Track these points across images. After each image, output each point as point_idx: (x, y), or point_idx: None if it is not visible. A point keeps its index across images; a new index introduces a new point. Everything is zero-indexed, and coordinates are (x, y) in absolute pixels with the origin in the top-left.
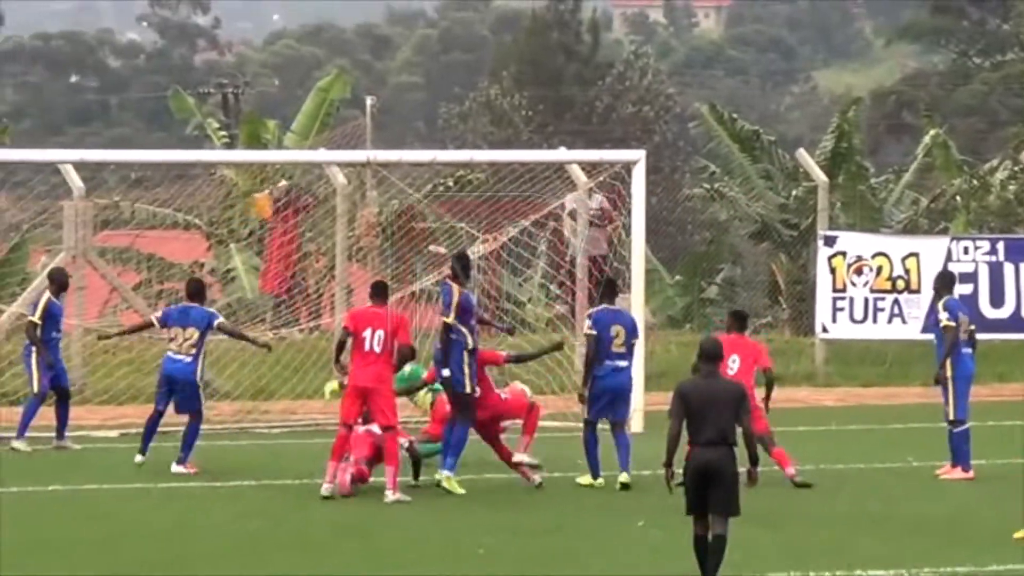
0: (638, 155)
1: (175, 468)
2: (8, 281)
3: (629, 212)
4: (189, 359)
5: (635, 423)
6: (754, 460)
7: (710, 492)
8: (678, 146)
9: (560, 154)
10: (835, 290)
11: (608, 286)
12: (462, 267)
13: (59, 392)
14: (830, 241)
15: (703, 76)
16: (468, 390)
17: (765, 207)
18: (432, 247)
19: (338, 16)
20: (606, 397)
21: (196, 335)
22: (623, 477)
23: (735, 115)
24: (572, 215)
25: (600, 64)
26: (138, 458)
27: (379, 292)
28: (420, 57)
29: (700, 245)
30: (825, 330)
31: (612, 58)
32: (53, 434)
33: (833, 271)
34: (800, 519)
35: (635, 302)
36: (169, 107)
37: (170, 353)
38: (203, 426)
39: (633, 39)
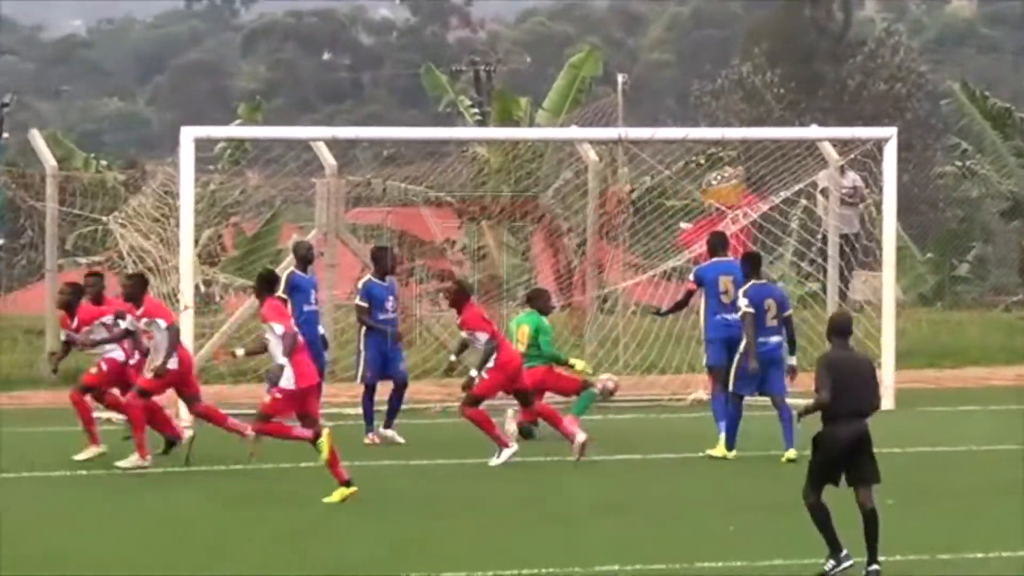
0: (890, 132)
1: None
2: (261, 256)
3: (881, 190)
4: None
5: (886, 401)
6: None
7: (857, 463)
8: (930, 124)
9: (812, 131)
10: None
11: (752, 260)
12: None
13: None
14: None
15: (955, 53)
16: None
17: (1017, 185)
18: (682, 224)
19: None
20: (760, 372)
21: None
22: (790, 453)
23: (987, 93)
24: (824, 193)
25: (852, 42)
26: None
27: None
28: (672, 34)
29: (951, 223)
30: None
31: (864, 35)
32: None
33: None
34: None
35: (886, 280)
36: (421, 84)
37: None
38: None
39: (885, 16)
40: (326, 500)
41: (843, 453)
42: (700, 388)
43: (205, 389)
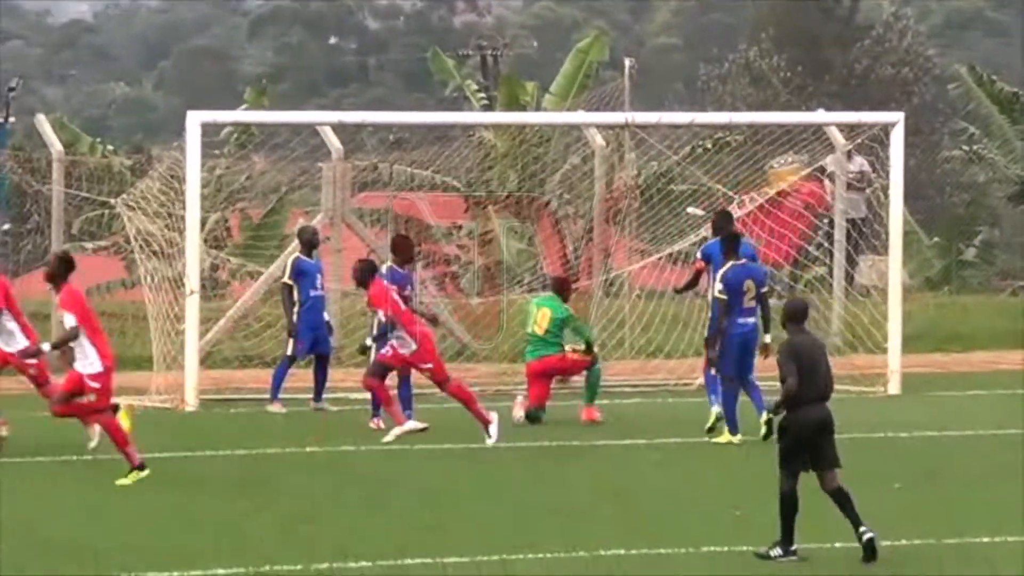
0: (896, 117)
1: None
2: (266, 243)
3: (887, 174)
4: None
5: (892, 385)
6: None
7: (821, 447)
8: (937, 108)
9: (818, 116)
10: None
11: (730, 241)
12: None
13: (318, 355)
14: None
15: (963, 38)
16: None
17: None
18: (690, 209)
19: None
20: (736, 352)
21: None
22: (764, 417)
23: (994, 77)
24: (831, 177)
25: (859, 26)
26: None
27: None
28: (679, 19)
29: (958, 207)
30: None
31: (871, 20)
32: (310, 396)
33: None
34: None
35: (893, 264)
36: (428, 69)
37: None
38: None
39: (892, 0)
40: (120, 482)
41: (811, 436)
42: None
43: (209, 374)
